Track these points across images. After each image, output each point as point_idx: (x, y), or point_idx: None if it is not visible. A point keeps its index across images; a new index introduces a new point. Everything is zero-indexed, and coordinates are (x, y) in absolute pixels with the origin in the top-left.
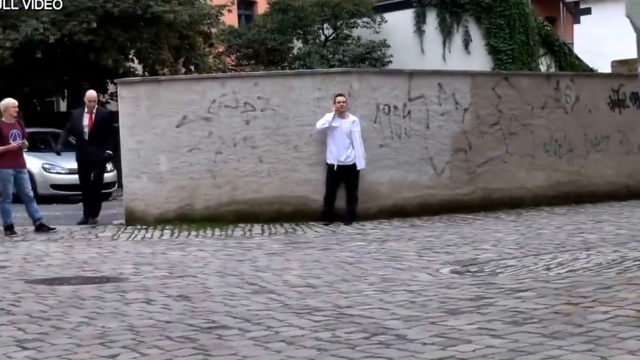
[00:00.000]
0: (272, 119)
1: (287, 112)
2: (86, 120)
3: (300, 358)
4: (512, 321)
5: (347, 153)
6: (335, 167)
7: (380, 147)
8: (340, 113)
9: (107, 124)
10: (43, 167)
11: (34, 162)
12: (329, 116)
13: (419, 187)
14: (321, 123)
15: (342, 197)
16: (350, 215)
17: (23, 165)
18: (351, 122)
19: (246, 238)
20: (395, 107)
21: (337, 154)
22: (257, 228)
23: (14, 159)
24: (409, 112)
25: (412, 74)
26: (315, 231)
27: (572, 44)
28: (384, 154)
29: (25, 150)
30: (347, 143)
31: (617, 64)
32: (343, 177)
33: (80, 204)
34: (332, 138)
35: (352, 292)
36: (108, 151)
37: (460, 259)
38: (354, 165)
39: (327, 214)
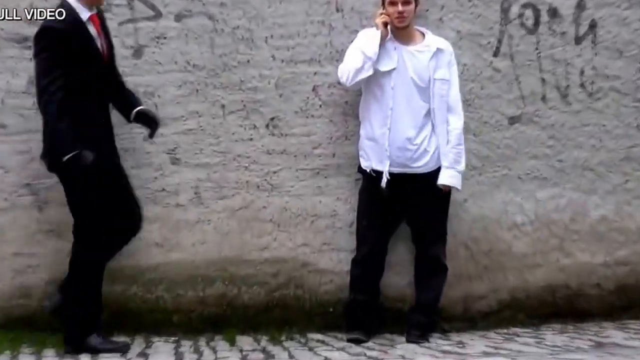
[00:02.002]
0: (208, 43)
1: (249, 24)
2: (97, 37)
3: None
4: None
5: (418, 143)
6: (384, 181)
7: (510, 125)
8: (401, 31)
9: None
10: None
11: None
12: (368, 42)
13: (624, 238)
14: (352, 67)
15: (400, 267)
16: (426, 316)
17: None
18: (430, 56)
19: None
20: (555, 13)
21: (391, 147)
22: (163, 349)
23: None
24: (594, 27)
25: None
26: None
27: None
28: (522, 142)
29: None
30: (419, 115)
31: None
32: (403, 208)
33: None
34: (378, 99)
35: None
36: (140, 107)
37: None
38: (431, 177)
39: (361, 312)
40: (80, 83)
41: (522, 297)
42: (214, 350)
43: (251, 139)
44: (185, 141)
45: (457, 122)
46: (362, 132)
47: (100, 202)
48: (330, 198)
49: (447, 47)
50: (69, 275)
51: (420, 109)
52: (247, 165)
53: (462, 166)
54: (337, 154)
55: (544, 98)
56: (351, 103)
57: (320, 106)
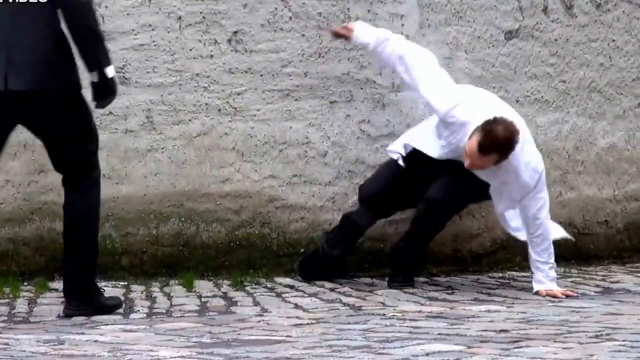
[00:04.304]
0: None
1: None
2: None
3: None
4: None
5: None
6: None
7: (507, 41)
8: None
9: None
10: None
11: None
12: None
13: (635, 169)
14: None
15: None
16: (411, 253)
17: None
18: None
19: None
20: None
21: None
22: (111, 295)
23: None
24: None
25: None
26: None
27: None
28: (520, 60)
29: None
30: None
31: None
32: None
33: None
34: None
35: None
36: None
37: None
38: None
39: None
40: None
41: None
42: (169, 297)
43: (211, 56)
44: (136, 58)
45: None
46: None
47: None
48: (302, 123)
49: None
50: None
51: None
52: (206, 85)
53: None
54: (310, 74)
55: (545, 9)
56: (325, 14)
57: (291, 18)
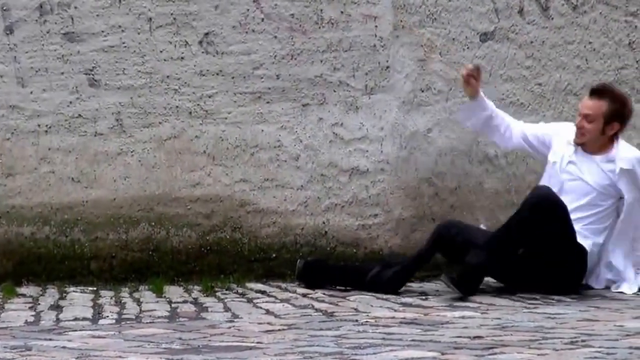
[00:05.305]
0: None
1: None
2: None
3: None
4: None
5: None
6: None
7: (482, 43)
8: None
9: None
10: None
11: None
12: None
13: None
14: None
15: (354, 207)
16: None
17: None
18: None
19: None
20: None
21: None
22: (79, 300)
23: None
24: None
25: None
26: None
27: None
28: (495, 63)
29: None
30: None
31: None
32: None
33: None
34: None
35: None
36: None
37: None
38: None
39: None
40: None
41: None
42: (138, 302)
43: (182, 58)
44: (106, 60)
45: None
46: None
47: None
48: (274, 126)
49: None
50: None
51: None
52: (177, 88)
53: None
54: (282, 76)
55: (521, 11)
56: (298, 16)
57: (263, 20)
